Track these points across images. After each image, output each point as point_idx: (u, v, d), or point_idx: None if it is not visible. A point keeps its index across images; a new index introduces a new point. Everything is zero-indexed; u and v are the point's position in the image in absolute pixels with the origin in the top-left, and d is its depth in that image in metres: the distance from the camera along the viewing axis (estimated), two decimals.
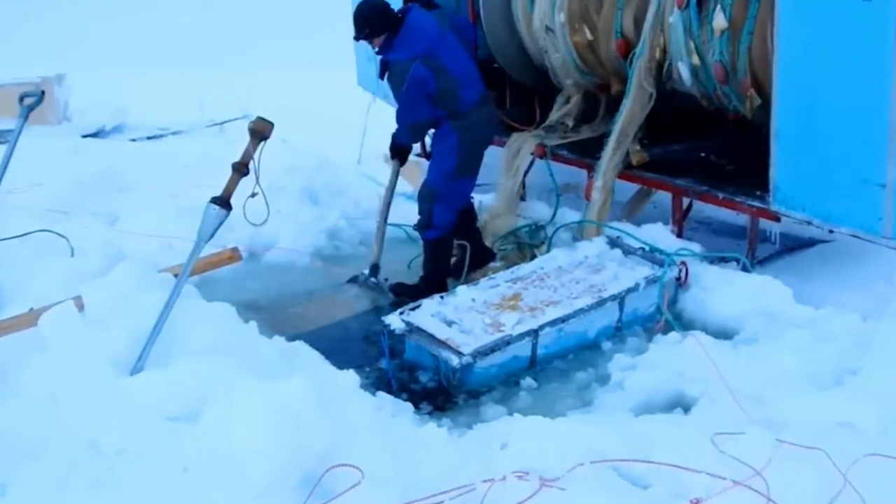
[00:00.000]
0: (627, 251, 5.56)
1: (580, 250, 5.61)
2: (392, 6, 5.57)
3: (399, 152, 6.05)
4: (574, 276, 5.31)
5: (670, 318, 5.11)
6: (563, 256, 5.55)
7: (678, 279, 5.35)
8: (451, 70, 5.48)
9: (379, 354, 4.92)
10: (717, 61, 5.60)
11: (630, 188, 6.54)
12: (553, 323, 4.82)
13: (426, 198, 5.71)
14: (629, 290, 5.13)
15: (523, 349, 4.75)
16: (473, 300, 5.03)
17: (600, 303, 5.01)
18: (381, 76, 5.64)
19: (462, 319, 4.82)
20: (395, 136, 5.95)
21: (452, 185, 5.69)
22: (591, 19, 6.73)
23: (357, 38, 5.57)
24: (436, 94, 5.45)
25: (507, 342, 4.65)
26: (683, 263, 5.38)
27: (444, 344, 4.59)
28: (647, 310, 5.25)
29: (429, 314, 4.86)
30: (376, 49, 5.57)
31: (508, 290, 5.17)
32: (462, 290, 5.14)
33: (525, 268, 5.45)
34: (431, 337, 4.67)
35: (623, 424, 3.82)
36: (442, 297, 5.04)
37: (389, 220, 7.05)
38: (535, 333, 4.74)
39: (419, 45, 5.43)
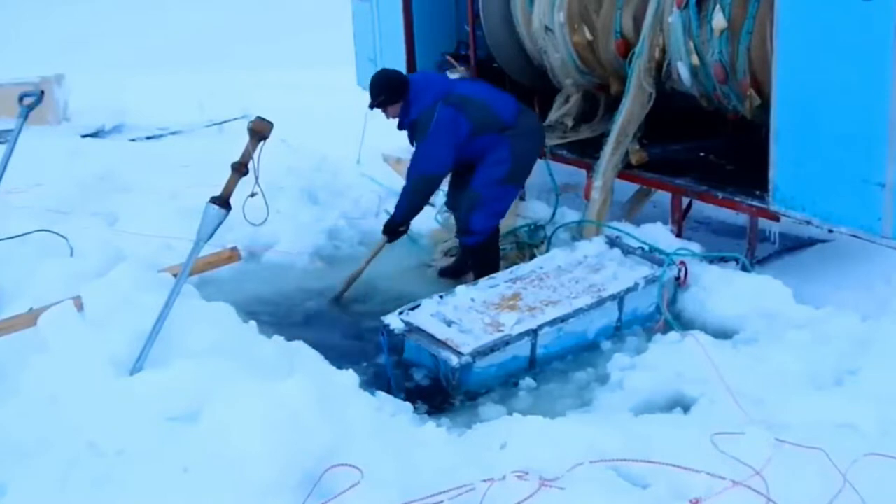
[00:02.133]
0: (627, 251, 5.56)
1: (579, 250, 5.60)
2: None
3: (394, 233, 5.82)
4: (573, 276, 5.30)
5: (670, 317, 5.11)
6: (563, 256, 5.55)
7: (677, 279, 5.34)
8: (476, 96, 5.56)
9: (379, 353, 4.91)
10: (716, 61, 5.60)
11: (630, 188, 6.55)
12: (552, 322, 4.81)
13: (467, 204, 5.65)
14: (628, 290, 5.12)
15: (522, 349, 4.74)
16: (473, 300, 5.03)
17: (599, 302, 5.01)
18: (413, 141, 5.66)
19: (461, 319, 4.81)
20: (395, 215, 5.77)
21: (498, 191, 5.64)
22: (590, 19, 6.74)
23: (372, 106, 5.59)
24: (473, 123, 5.47)
25: (506, 342, 4.64)
26: (683, 263, 5.38)
27: (443, 344, 4.59)
28: (646, 309, 5.25)
29: (428, 314, 4.85)
30: (391, 117, 5.63)
31: (508, 290, 5.16)
32: (461, 289, 5.14)
33: (524, 267, 5.44)
34: (431, 337, 4.66)
35: (623, 424, 3.82)
36: (441, 297, 5.03)
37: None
38: (534, 333, 4.73)
39: (434, 89, 5.51)
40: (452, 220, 6.38)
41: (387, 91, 5.51)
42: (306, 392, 3.39)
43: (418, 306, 4.92)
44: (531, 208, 6.98)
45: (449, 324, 4.77)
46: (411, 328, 4.75)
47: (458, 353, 4.50)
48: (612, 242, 5.65)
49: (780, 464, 3.38)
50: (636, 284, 5.16)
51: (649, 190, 6.48)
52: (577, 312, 4.92)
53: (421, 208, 5.72)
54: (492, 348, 4.59)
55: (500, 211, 5.77)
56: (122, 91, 13.72)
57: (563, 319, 4.86)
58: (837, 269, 5.63)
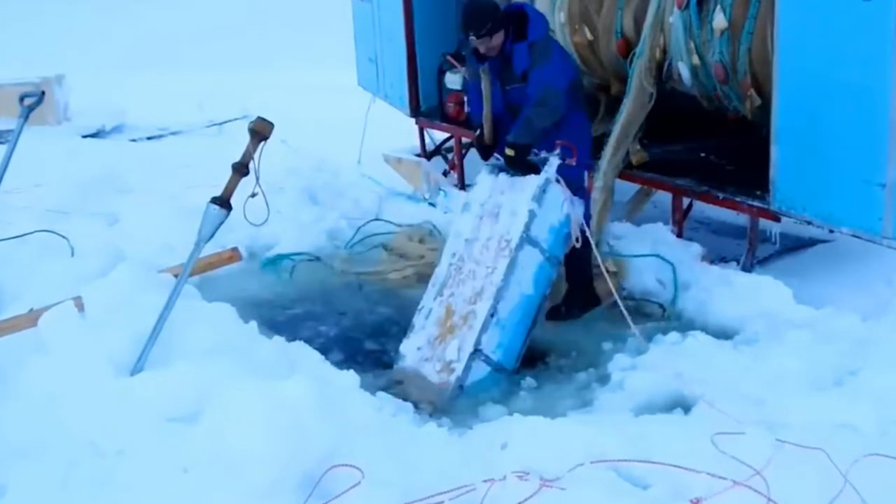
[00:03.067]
0: (510, 171, 4.93)
1: (474, 203, 4.96)
2: None
3: (522, 153, 4.87)
4: (480, 242, 4.80)
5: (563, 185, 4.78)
6: (464, 222, 4.94)
7: (563, 160, 4.82)
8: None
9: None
10: (717, 61, 5.60)
11: (630, 188, 6.54)
12: (486, 324, 4.55)
13: None
14: (531, 219, 4.65)
15: (483, 369, 4.59)
16: (419, 349, 4.73)
17: (513, 261, 4.60)
18: (522, 76, 5.03)
19: (421, 372, 4.65)
20: (523, 134, 4.88)
21: (584, 181, 5.16)
22: (591, 19, 6.74)
23: (480, 35, 4.91)
24: (571, 83, 5.11)
25: (461, 385, 4.50)
26: (565, 144, 4.87)
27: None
28: (558, 222, 4.79)
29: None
30: (486, 49, 4.99)
31: (440, 308, 4.79)
32: (405, 345, 4.82)
33: (441, 270, 4.91)
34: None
35: (623, 425, 3.82)
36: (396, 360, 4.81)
37: (391, 220, 7.06)
38: (478, 353, 4.55)
39: (547, 23, 5.24)
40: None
41: (494, 17, 4.92)
42: (307, 392, 3.39)
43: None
44: None
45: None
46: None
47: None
48: (495, 169, 5.02)
49: (781, 464, 3.38)
50: (531, 211, 4.65)
51: (650, 190, 6.47)
52: (500, 293, 4.57)
53: (547, 128, 4.98)
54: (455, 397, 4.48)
55: (588, 208, 5.23)
56: (122, 91, 13.72)
57: (492, 313, 4.56)
58: (838, 270, 5.63)
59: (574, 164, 4.96)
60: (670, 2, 5.86)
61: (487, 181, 4.99)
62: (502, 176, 4.93)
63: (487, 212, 4.88)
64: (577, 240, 4.88)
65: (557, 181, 4.77)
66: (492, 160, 5.10)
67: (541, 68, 4.98)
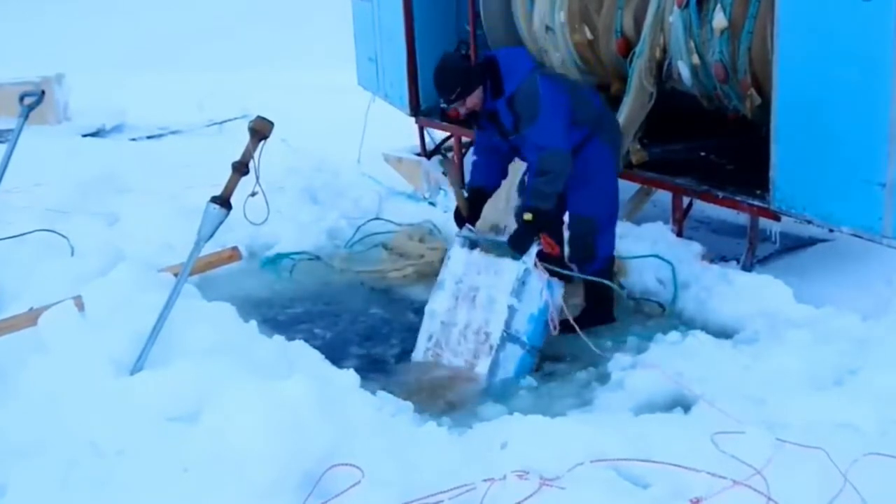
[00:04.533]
0: (484, 249, 4.84)
1: (448, 279, 4.82)
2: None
3: (544, 222, 4.67)
4: (458, 328, 4.75)
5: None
6: (438, 300, 4.84)
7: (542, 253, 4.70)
8: (564, 80, 5.00)
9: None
10: (716, 61, 5.60)
11: (630, 187, 6.54)
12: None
13: (587, 228, 4.96)
14: (511, 315, 4.60)
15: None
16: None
17: (494, 362, 4.60)
18: (514, 129, 4.72)
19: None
20: (537, 202, 4.62)
21: (615, 207, 5.06)
22: (590, 19, 6.73)
23: (450, 102, 4.75)
24: (572, 105, 4.76)
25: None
26: (542, 237, 4.67)
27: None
28: (538, 310, 4.70)
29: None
30: (467, 110, 4.75)
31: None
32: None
33: (417, 354, 4.83)
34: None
35: (623, 424, 3.82)
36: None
37: (391, 219, 7.06)
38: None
39: (526, 62, 4.80)
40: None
41: (463, 80, 4.61)
42: (306, 392, 3.39)
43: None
44: None
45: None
46: None
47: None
48: (467, 241, 4.90)
49: (781, 463, 3.37)
50: (511, 307, 4.61)
51: (650, 189, 6.48)
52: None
53: (560, 190, 4.72)
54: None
55: (615, 229, 5.11)
56: (122, 91, 13.74)
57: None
58: (838, 269, 5.63)
59: (557, 253, 4.77)
60: (670, 1, 5.86)
61: (461, 256, 4.82)
62: (476, 252, 4.79)
63: (463, 293, 4.75)
64: (554, 328, 4.73)
65: (535, 266, 4.62)
66: (464, 230, 4.93)
67: (531, 129, 4.64)
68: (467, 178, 5.28)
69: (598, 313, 5.15)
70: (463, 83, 4.63)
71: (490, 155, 5.05)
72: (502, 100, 4.67)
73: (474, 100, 4.70)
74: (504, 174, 5.12)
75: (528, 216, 4.61)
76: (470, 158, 5.28)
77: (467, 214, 4.97)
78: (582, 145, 4.84)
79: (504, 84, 4.65)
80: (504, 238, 4.83)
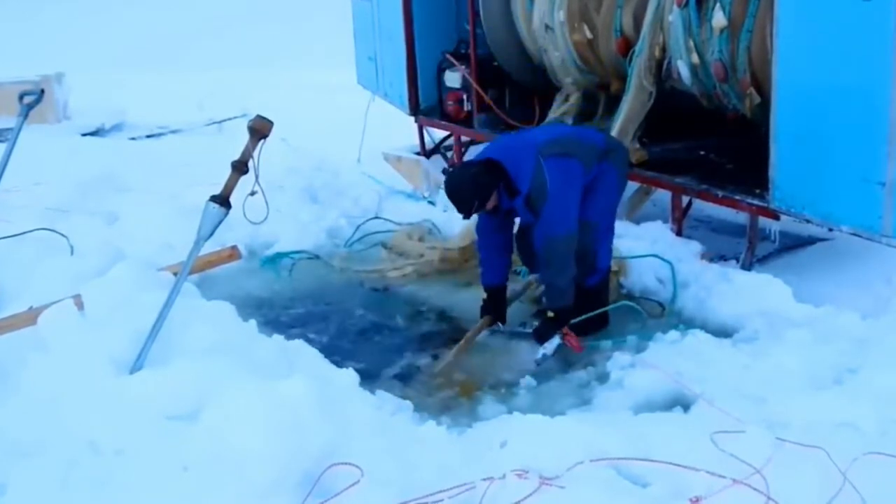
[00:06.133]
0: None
1: None
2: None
3: (567, 318, 4.86)
4: None
5: None
6: None
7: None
8: (562, 135, 5.03)
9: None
10: (716, 60, 5.60)
11: (630, 187, 6.53)
12: None
13: (589, 238, 4.97)
14: None
15: None
16: None
17: None
18: (529, 213, 4.84)
19: None
20: (556, 298, 4.83)
21: (613, 221, 5.19)
22: (590, 18, 6.73)
23: (468, 216, 4.87)
24: (579, 159, 4.84)
25: None
26: (568, 337, 4.85)
27: None
28: None
29: None
30: (490, 210, 4.87)
31: None
32: None
33: None
34: None
35: (623, 423, 3.82)
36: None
37: (390, 219, 7.07)
38: None
39: (524, 151, 4.83)
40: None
41: (478, 194, 4.73)
42: (306, 391, 3.39)
43: None
44: None
45: None
46: None
47: None
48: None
49: (781, 463, 3.38)
50: None
51: (649, 189, 6.48)
52: None
53: (574, 272, 4.85)
54: None
55: (612, 244, 5.26)
56: (122, 90, 13.75)
57: None
58: (837, 268, 5.63)
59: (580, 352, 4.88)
60: (669, 0, 5.86)
61: None
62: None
63: None
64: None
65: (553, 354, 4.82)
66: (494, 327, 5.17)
67: (544, 214, 4.74)
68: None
69: (594, 320, 5.16)
70: (479, 197, 4.76)
71: (495, 243, 5.14)
72: (519, 199, 4.78)
73: (493, 201, 4.83)
74: (511, 249, 5.23)
75: (551, 314, 4.84)
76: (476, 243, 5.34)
77: (494, 314, 5.16)
78: (590, 177, 4.94)
79: (517, 184, 4.76)
80: (530, 330, 5.04)
